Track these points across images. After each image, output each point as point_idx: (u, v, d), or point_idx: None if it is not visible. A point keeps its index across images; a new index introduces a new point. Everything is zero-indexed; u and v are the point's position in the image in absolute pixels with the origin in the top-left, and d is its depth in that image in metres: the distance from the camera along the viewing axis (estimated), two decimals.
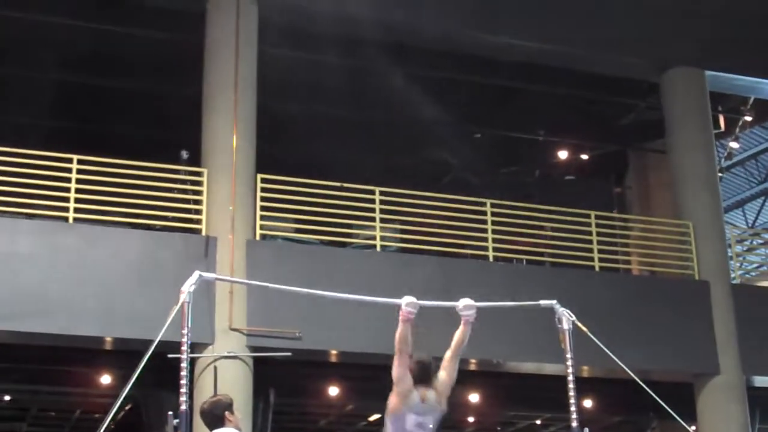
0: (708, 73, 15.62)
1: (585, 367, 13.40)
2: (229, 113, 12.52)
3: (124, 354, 12.48)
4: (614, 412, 17.70)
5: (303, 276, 11.72)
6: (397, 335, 6.40)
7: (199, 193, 12.31)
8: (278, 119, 15.71)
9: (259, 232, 12.44)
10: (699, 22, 15.65)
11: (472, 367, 14.21)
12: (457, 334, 6.87)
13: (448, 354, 6.78)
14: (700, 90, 15.50)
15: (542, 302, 7.15)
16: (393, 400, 6.43)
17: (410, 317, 6.45)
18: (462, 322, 6.88)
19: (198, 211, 12.27)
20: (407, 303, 6.46)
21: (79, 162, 11.88)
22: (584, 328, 6.94)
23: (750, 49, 15.97)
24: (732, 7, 15.79)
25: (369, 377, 15.75)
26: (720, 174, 17.14)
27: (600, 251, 14.13)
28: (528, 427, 20.43)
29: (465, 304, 6.86)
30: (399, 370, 6.38)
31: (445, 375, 6.66)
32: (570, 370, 6.89)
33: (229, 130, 12.44)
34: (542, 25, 14.89)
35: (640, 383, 7.67)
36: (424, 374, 6.50)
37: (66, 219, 11.71)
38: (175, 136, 14.75)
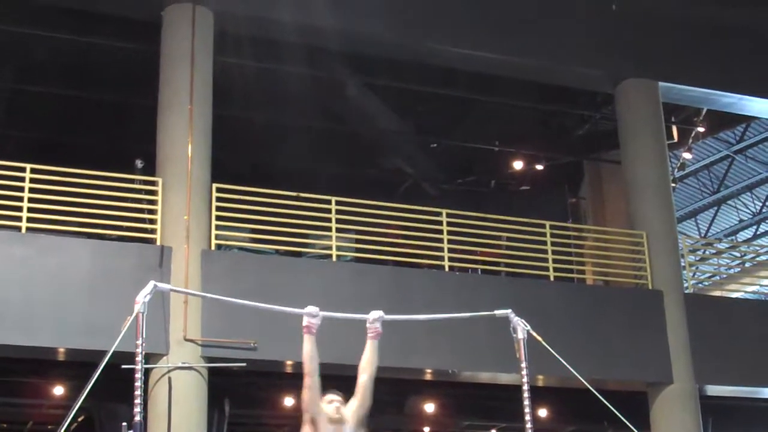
0: (661, 84, 15.75)
1: (540, 377, 13.46)
2: (185, 123, 12.47)
3: (78, 365, 12.39)
4: (569, 421, 17.79)
5: (258, 286, 11.70)
6: (303, 351, 6.20)
7: (153, 202, 12.25)
8: (234, 129, 15.67)
9: (214, 242, 12.39)
10: (653, 35, 15.81)
11: (428, 376, 14.24)
12: (366, 352, 6.58)
13: (363, 378, 6.50)
14: (653, 101, 15.64)
15: (497, 312, 7.18)
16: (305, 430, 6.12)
17: (312, 330, 6.31)
18: (368, 337, 6.63)
19: (153, 221, 12.20)
20: (308, 312, 6.30)
21: (33, 171, 11.78)
22: (539, 338, 6.97)
23: (703, 61, 16.15)
24: (685, 19, 15.98)
25: (324, 388, 15.77)
26: (673, 184, 17.31)
27: (555, 261, 14.20)
28: None
29: (375, 317, 6.60)
30: (309, 397, 6.11)
31: (356, 403, 6.36)
32: (525, 379, 6.92)
33: (184, 140, 12.39)
34: (499, 37, 14.98)
35: (595, 392, 7.72)
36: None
37: (19, 229, 11.60)
38: (130, 145, 14.69)
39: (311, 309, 6.41)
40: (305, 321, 6.35)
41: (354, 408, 6.32)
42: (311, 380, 6.17)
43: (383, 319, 6.67)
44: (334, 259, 13.21)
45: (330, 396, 6.30)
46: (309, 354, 6.23)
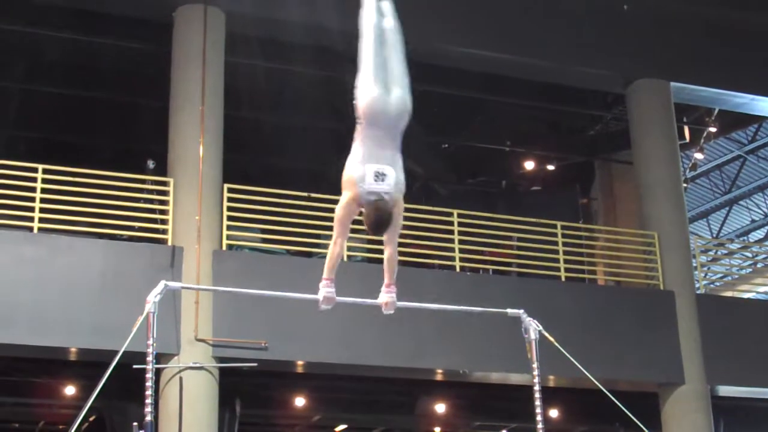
0: (673, 84, 15.72)
1: (551, 377, 13.43)
2: (196, 123, 12.48)
3: (89, 365, 12.40)
4: (580, 421, 17.75)
5: (269, 286, 11.68)
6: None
7: (165, 203, 12.26)
8: (246, 129, 15.69)
9: (225, 242, 12.40)
10: (664, 35, 15.77)
11: (439, 377, 14.23)
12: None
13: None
14: (665, 101, 15.60)
15: (509, 311, 7.18)
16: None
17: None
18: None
19: (164, 221, 12.21)
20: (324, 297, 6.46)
21: (45, 171, 11.81)
22: (551, 338, 6.97)
23: (714, 61, 16.10)
24: (697, 19, 15.93)
25: (335, 388, 15.78)
26: (685, 185, 17.27)
27: (566, 261, 14.18)
28: None
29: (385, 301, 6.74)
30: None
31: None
32: (536, 379, 6.92)
33: (195, 140, 12.40)
34: (509, 37, 14.96)
35: (606, 393, 7.71)
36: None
37: (31, 229, 11.63)
38: (142, 145, 14.73)
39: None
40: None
41: None
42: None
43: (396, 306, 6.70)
44: (345, 259, 13.21)
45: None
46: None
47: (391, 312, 6.58)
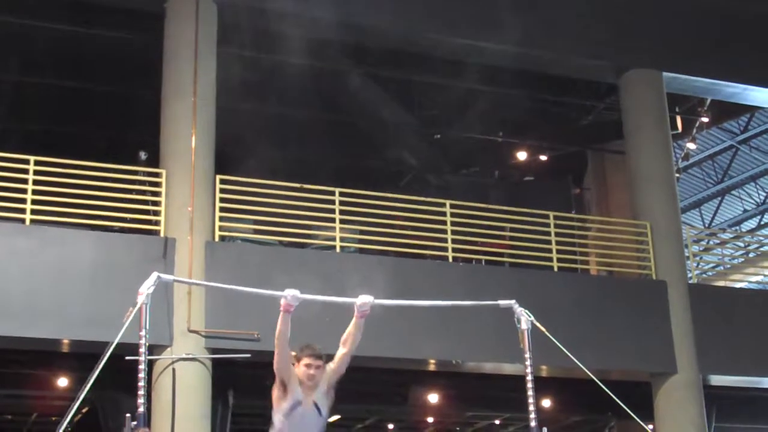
0: (665, 74, 15.73)
1: (544, 367, 13.46)
2: (188, 114, 12.46)
3: (82, 356, 12.39)
4: (573, 411, 17.80)
5: (262, 277, 11.68)
6: (277, 330, 6.32)
7: (157, 194, 12.24)
8: (238, 120, 15.66)
9: (218, 233, 12.39)
10: (656, 24, 15.78)
11: (431, 367, 14.24)
12: (351, 328, 6.68)
13: (342, 351, 6.70)
14: (657, 91, 15.61)
15: (501, 302, 7.17)
16: (275, 393, 6.42)
17: (289, 309, 6.36)
18: (356, 316, 6.65)
19: (156, 213, 12.20)
20: (290, 295, 6.37)
21: (36, 163, 11.78)
22: (543, 328, 6.97)
23: (707, 51, 16.12)
24: (689, 9, 15.94)
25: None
26: (677, 175, 17.28)
27: (559, 251, 14.19)
28: (487, 427, 20.49)
29: (363, 301, 6.61)
30: (279, 364, 6.34)
31: (333, 366, 6.63)
32: (529, 369, 6.92)
33: (188, 131, 12.38)
34: (501, 28, 14.93)
35: (598, 383, 7.71)
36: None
37: (23, 221, 11.61)
38: (134, 137, 14.70)
39: (292, 292, 6.41)
40: (283, 301, 6.39)
41: (328, 374, 6.60)
42: (281, 350, 6.37)
43: (371, 304, 6.64)
44: (338, 250, 13.21)
45: (308, 360, 6.49)
46: (281, 333, 6.36)
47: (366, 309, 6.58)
